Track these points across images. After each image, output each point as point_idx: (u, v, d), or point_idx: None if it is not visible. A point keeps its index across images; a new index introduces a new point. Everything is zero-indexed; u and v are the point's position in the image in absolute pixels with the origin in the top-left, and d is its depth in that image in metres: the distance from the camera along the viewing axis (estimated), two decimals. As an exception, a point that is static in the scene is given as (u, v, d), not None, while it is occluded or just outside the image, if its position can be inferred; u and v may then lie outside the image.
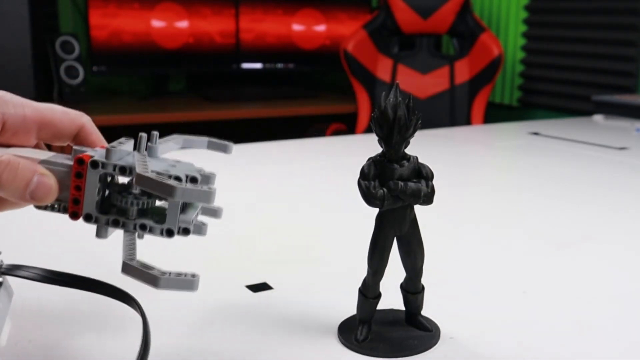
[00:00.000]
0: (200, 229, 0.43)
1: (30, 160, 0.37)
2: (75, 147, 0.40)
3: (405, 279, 0.44)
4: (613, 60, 1.97)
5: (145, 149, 0.40)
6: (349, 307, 0.48)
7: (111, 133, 2.13)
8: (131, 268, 0.35)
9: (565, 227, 0.70)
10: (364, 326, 0.43)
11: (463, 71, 2.16)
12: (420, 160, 0.41)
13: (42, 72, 2.01)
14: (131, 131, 2.11)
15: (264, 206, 0.77)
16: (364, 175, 0.40)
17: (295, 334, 0.44)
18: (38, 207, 0.39)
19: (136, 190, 0.39)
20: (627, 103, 1.57)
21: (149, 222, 0.38)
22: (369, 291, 0.43)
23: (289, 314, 0.47)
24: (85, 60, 2.17)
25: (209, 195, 0.35)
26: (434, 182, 0.41)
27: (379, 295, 0.43)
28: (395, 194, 0.39)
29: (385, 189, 0.39)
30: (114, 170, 0.37)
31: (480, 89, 2.14)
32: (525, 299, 0.50)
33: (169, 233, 0.38)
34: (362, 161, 0.46)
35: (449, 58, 2.21)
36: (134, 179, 0.35)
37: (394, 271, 0.43)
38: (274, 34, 2.49)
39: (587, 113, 1.69)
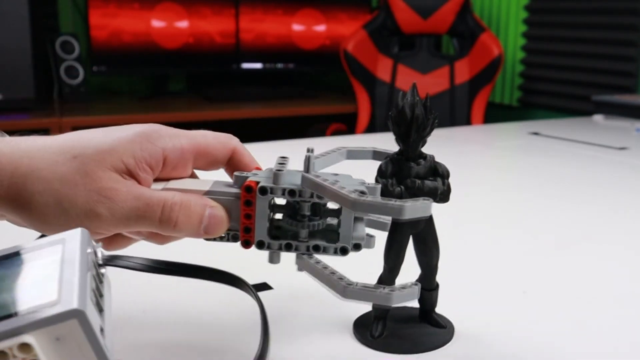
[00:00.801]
0: (369, 242, 0.42)
1: (197, 195, 0.38)
2: (236, 174, 0.39)
3: (420, 276, 0.44)
4: (613, 60, 1.97)
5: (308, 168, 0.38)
6: (349, 307, 0.48)
7: (111, 133, 2.07)
8: (354, 292, 0.36)
9: (565, 227, 0.70)
10: (379, 322, 0.43)
11: (463, 71, 2.16)
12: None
13: (42, 72, 2.01)
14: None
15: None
16: (381, 173, 0.40)
17: (295, 334, 0.44)
18: (207, 239, 0.39)
19: (305, 212, 0.38)
20: (627, 103, 1.57)
21: (321, 243, 0.38)
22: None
23: (289, 314, 0.47)
24: (85, 60, 2.17)
25: (428, 208, 0.36)
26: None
27: None
28: (412, 191, 0.40)
29: (402, 187, 0.40)
30: (283, 194, 0.37)
31: (480, 89, 2.14)
32: (525, 299, 0.50)
33: (343, 251, 0.39)
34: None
35: (449, 58, 2.21)
36: (350, 205, 0.35)
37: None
38: (274, 34, 2.49)
39: (587, 113, 1.69)
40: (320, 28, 2.58)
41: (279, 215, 0.40)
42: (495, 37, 2.13)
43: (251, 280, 0.52)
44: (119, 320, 0.46)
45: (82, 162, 0.35)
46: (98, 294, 0.29)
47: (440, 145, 1.21)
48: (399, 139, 0.40)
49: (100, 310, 0.28)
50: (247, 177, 0.38)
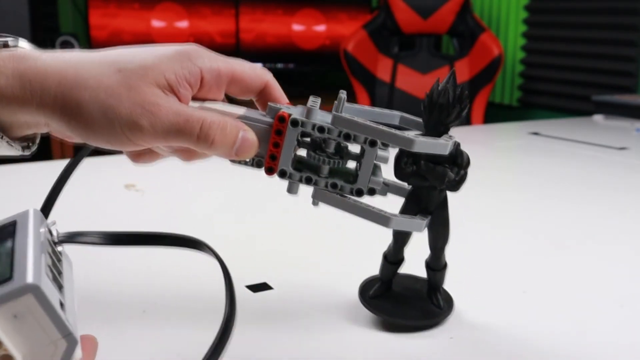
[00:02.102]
0: (384, 190, 0.44)
1: (232, 118, 0.39)
2: (270, 104, 0.40)
3: (430, 255, 0.46)
4: (613, 60, 1.97)
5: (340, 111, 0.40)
6: (349, 306, 0.48)
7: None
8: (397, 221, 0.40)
9: (565, 227, 0.70)
10: (381, 285, 0.46)
11: (463, 71, 2.16)
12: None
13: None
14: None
15: (264, 206, 0.77)
16: (400, 150, 0.41)
17: (295, 334, 0.44)
18: (233, 162, 0.42)
19: (330, 150, 0.40)
20: (627, 103, 1.57)
21: (339, 182, 0.40)
22: (389, 256, 0.46)
23: (289, 314, 0.47)
24: (85, 60, 2.17)
25: (445, 147, 0.39)
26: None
27: (399, 261, 0.46)
28: (422, 173, 0.41)
29: (415, 167, 0.41)
30: (313, 129, 0.39)
31: (480, 89, 2.14)
32: (525, 299, 0.50)
33: (359, 193, 0.40)
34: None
35: (449, 58, 2.21)
36: (371, 134, 0.38)
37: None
38: (274, 34, 2.49)
39: (587, 113, 1.69)
40: (320, 28, 2.58)
41: (302, 153, 0.41)
42: (495, 37, 2.13)
43: (251, 280, 0.52)
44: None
45: (126, 76, 0.37)
46: (56, 271, 0.29)
47: (440, 145, 1.21)
48: (423, 121, 0.41)
49: (59, 287, 0.29)
50: (280, 109, 0.40)
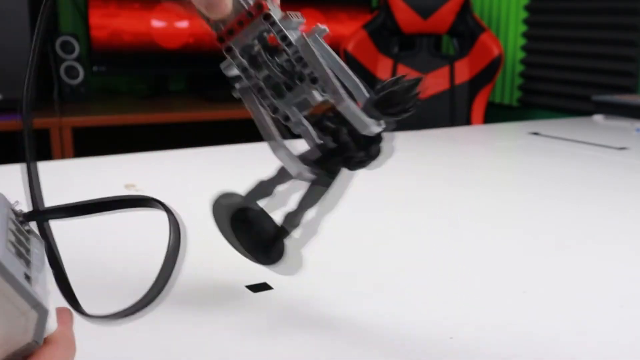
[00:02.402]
0: (297, 127, 0.44)
1: None
2: None
3: (293, 209, 0.45)
4: (613, 60, 1.97)
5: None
6: (349, 306, 0.48)
7: (111, 133, 2.15)
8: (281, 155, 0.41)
9: (565, 227, 0.70)
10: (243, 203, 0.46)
11: (463, 71, 2.16)
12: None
13: (42, 72, 2.01)
14: (131, 131, 2.12)
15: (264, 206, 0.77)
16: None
17: (295, 334, 0.44)
18: (201, 16, 0.43)
19: (279, 59, 0.41)
20: (627, 103, 1.57)
21: (267, 90, 0.41)
22: (265, 182, 0.46)
23: (289, 314, 0.47)
24: (85, 60, 2.17)
25: (366, 126, 0.40)
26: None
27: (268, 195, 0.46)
28: (334, 134, 0.42)
29: (334, 127, 0.42)
30: (277, 33, 0.40)
31: (480, 89, 2.14)
32: (525, 299, 0.50)
33: (275, 110, 0.41)
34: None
35: (449, 58, 2.21)
36: (317, 72, 0.39)
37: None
38: (274, 34, 2.49)
39: (587, 113, 1.69)
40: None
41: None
42: (495, 37, 2.13)
43: (251, 280, 0.52)
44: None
45: None
46: (23, 249, 0.30)
47: (440, 145, 1.21)
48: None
49: (26, 262, 0.29)
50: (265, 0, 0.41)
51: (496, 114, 2.36)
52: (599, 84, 1.99)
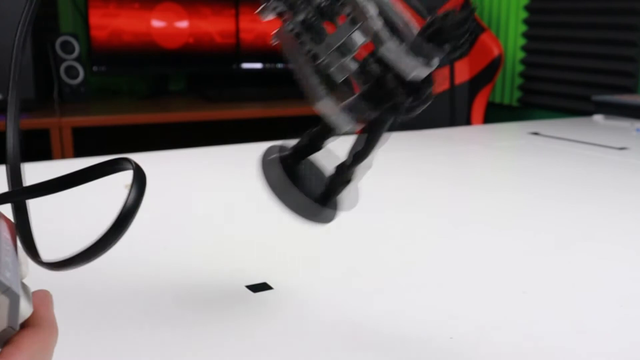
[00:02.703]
0: (341, 72, 0.41)
1: None
2: None
3: (346, 159, 0.43)
4: (613, 60, 1.96)
5: None
6: (349, 306, 0.48)
7: (111, 133, 2.14)
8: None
9: (565, 227, 0.70)
10: (296, 155, 0.44)
11: (463, 71, 2.16)
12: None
13: (42, 72, 2.01)
14: (131, 131, 2.12)
15: (265, 206, 0.77)
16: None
17: (295, 334, 0.44)
18: None
19: (317, 1, 0.39)
20: (627, 103, 1.57)
21: (306, 35, 0.38)
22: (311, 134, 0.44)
23: (289, 314, 0.47)
24: (85, 60, 2.17)
25: (412, 68, 0.36)
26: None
27: (317, 149, 0.44)
28: (378, 78, 0.38)
29: (379, 69, 0.38)
30: None
31: (480, 89, 2.14)
32: (525, 299, 0.50)
33: (315, 57, 0.38)
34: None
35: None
36: (356, 12, 0.36)
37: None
38: (274, 34, 2.48)
39: (587, 113, 1.68)
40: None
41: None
42: (495, 37, 2.13)
43: (251, 280, 0.52)
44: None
45: None
46: None
47: (440, 145, 1.21)
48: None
49: None
50: None
51: (496, 114, 2.36)
52: (599, 84, 1.99)
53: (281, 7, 0.39)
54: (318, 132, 0.43)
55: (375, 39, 0.36)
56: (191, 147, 1.11)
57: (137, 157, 1.04)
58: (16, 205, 0.35)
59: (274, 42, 0.40)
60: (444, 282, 0.54)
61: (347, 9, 0.37)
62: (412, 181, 0.90)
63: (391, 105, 0.38)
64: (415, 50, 0.36)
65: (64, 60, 2.09)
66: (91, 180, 0.38)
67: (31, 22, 0.38)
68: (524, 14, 2.25)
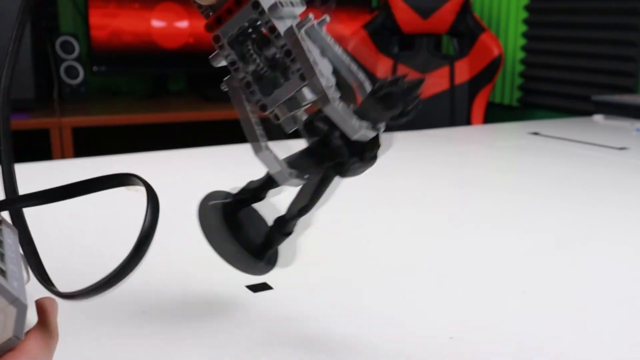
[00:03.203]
0: (289, 124, 0.42)
1: None
2: None
3: (285, 213, 0.43)
4: (613, 60, 1.96)
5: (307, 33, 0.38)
6: (349, 306, 0.48)
7: (111, 133, 2.15)
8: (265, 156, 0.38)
9: (565, 227, 0.70)
10: (240, 202, 0.44)
11: (463, 71, 2.16)
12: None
13: (42, 72, 2.01)
14: (131, 131, 2.12)
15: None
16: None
17: (295, 334, 0.44)
18: (193, 2, 0.41)
19: (267, 53, 0.39)
20: (627, 103, 1.57)
21: (255, 86, 0.38)
22: (255, 182, 0.44)
23: (289, 314, 0.47)
24: (85, 60, 2.17)
25: (354, 131, 0.36)
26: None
27: (257, 198, 0.44)
28: (325, 138, 0.38)
29: (325, 128, 0.39)
30: (266, 24, 0.37)
31: (480, 89, 2.14)
32: (525, 299, 0.50)
33: (263, 107, 0.38)
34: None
35: (449, 58, 2.21)
36: (304, 69, 0.35)
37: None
38: (274, 34, 2.49)
39: (587, 113, 1.68)
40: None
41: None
42: (495, 37, 2.13)
43: (251, 280, 0.52)
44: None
45: None
46: None
47: (440, 145, 1.21)
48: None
49: (0, 255, 0.28)
50: None
51: (496, 114, 2.36)
52: (599, 84, 1.99)
53: (233, 56, 0.39)
54: (261, 182, 0.43)
55: (322, 98, 0.36)
56: (191, 147, 1.11)
57: (137, 157, 1.05)
58: (23, 239, 0.35)
59: (223, 88, 0.40)
60: (444, 282, 0.54)
61: (296, 65, 0.36)
62: (412, 181, 0.90)
63: (334, 164, 0.38)
64: (362, 112, 0.36)
65: (64, 60, 2.09)
66: (98, 191, 0.38)
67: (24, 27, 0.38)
68: (524, 14, 2.25)
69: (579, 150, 1.14)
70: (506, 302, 0.50)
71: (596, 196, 0.83)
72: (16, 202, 0.38)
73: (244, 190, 0.44)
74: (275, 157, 0.39)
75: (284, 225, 0.42)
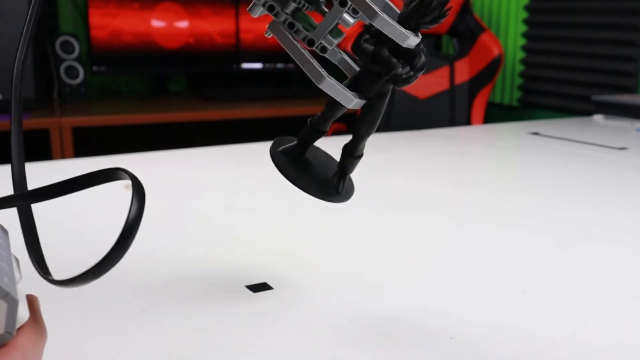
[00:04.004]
0: (335, 56, 0.44)
1: None
2: None
3: (350, 140, 0.45)
4: (613, 60, 1.97)
5: None
6: (349, 306, 0.48)
7: (111, 133, 2.15)
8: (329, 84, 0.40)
9: (565, 227, 0.70)
10: (295, 146, 0.46)
11: (463, 71, 2.16)
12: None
13: (42, 72, 2.01)
14: (131, 131, 2.12)
15: (264, 206, 0.77)
16: (366, 26, 0.42)
17: (295, 334, 0.44)
18: None
19: None
20: (627, 103, 1.57)
21: (298, 23, 0.40)
22: (314, 120, 0.46)
23: (289, 314, 0.47)
24: (85, 60, 2.17)
25: (405, 38, 0.38)
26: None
27: (321, 132, 0.46)
28: (376, 56, 0.41)
29: (373, 47, 0.41)
30: None
31: (480, 89, 2.14)
32: (525, 299, 0.50)
33: (310, 42, 0.40)
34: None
35: (449, 58, 2.21)
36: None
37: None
38: (274, 34, 2.49)
39: (587, 113, 1.68)
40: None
41: None
42: (495, 37, 2.13)
43: (251, 280, 0.52)
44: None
45: None
46: None
47: (440, 145, 1.21)
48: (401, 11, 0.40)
49: None
50: None
51: (496, 114, 2.36)
52: (599, 84, 1.99)
53: (270, 2, 0.40)
54: (323, 114, 0.45)
55: (370, 14, 0.38)
56: (191, 147, 1.11)
57: (137, 157, 1.05)
58: (24, 224, 0.36)
59: (268, 35, 0.42)
60: (444, 282, 0.54)
61: None
62: (412, 181, 0.90)
63: (391, 77, 0.40)
64: (404, 21, 0.39)
65: (64, 60, 2.09)
66: (85, 188, 0.38)
67: (35, 27, 0.39)
68: (524, 14, 2.25)
69: (579, 150, 1.14)
70: (506, 302, 0.50)
71: (596, 196, 0.83)
72: (15, 200, 0.38)
73: (306, 129, 0.46)
74: (337, 83, 0.41)
75: (354, 149, 0.44)
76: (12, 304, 0.27)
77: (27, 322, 0.29)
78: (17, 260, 0.33)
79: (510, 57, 2.31)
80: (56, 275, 0.32)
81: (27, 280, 0.33)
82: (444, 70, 2.18)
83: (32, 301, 0.31)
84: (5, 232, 0.34)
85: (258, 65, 2.48)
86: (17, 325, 0.28)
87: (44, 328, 0.30)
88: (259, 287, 0.51)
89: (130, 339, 0.43)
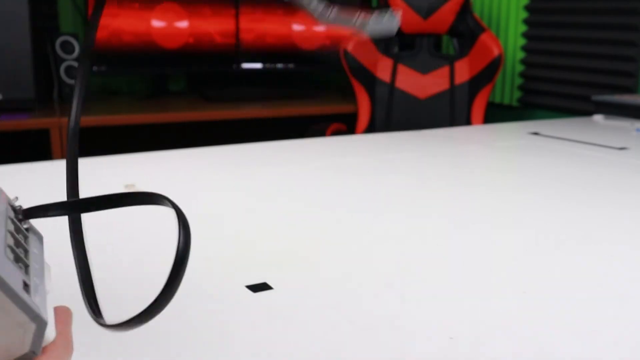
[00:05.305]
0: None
1: None
2: None
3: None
4: (613, 60, 1.96)
5: None
6: (349, 306, 0.48)
7: (111, 133, 2.15)
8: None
9: (565, 227, 0.70)
10: None
11: (463, 71, 2.16)
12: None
13: (42, 72, 2.01)
14: (131, 131, 2.12)
15: (264, 206, 0.77)
16: None
17: (294, 334, 0.44)
18: None
19: None
20: (627, 103, 1.57)
21: None
22: None
23: (289, 314, 0.47)
24: (85, 60, 2.17)
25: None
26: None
27: None
28: None
29: None
30: None
31: (480, 89, 2.14)
32: (525, 299, 0.50)
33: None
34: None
35: (449, 58, 2.21)
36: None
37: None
38: (274, 34, 2.49)
39: (587, 113, 1.68)
40: (321, 28, 2.57)
41: None
42: (495, 37, 2.13)
43: (251, 280, 0.52)
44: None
45: None
46: (21, 250, 0.28)
47: (440, 145, 1.21)
48: None
49: (25, 266, 0.28)
50: None
51: (496, 114, 2.36)
52: (599, 84, 1.99)
53: None
54: None
55: None
56: (191, 147, 1.11)
57: (137, 157, 1.05)
58: (80, 261, 0.35)
59: None
60: (444, 282, 0.54)
61: None
62: (412, 181, 0.90)
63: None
64: None
65: (64, 60, 2.09)
66: (119, 207, 0.38)
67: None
68: (524, 14, 2.25)
69: (579, 150, 1.14)
70: (506, 302, 0.50)
71: (596, 196, 0.83)
72: (39, 212, 0.38)
73: None
74: None
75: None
76: (41, 326, 0.26)
77: (56, 339, 0.28)
78: (49, 267, 0.32)
79: (510, 57, 2.31)
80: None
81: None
82: (444, 70, 2.18)
83: (63, 315, 0.30)
84: (40, 238, 0.32)
85: (258, 65, 2.48)
86: (44, 344, 0.27)
87: (70, 346, 0.29)
88: (259, 287, 0.51)
89: (130, 339, 0.43)
